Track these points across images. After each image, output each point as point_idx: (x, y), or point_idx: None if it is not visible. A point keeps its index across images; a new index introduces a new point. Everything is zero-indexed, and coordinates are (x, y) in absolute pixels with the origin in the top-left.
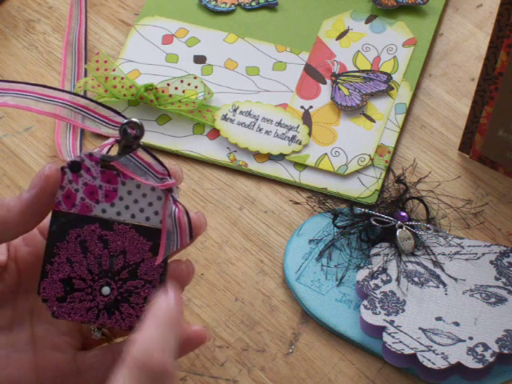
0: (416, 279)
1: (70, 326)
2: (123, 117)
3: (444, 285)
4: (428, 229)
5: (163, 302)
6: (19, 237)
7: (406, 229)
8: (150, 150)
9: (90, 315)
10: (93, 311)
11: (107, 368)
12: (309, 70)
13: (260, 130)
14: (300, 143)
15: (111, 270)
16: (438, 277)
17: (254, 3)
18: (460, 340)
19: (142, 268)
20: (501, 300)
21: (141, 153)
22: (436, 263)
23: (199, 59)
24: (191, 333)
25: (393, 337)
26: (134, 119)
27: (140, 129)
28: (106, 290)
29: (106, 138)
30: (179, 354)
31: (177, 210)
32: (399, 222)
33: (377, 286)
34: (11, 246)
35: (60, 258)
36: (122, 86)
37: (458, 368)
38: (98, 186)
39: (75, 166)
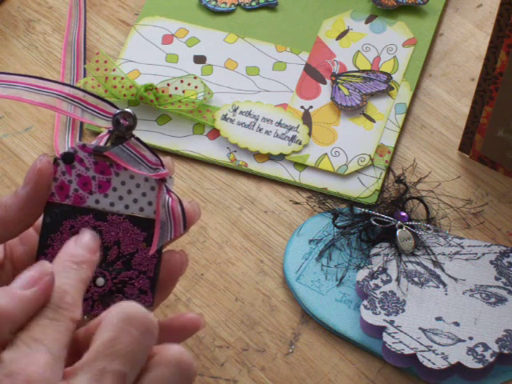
0: (416, 279)
1: None
2: (115, 107)
3: (444, 285)
4: (428, 229)
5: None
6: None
7: (406, 229)
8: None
9: (84, 306)
10: (87, 302)
11: None
12: (309, 69)
13: (260, 130)
14: (300, 143)
15: (105, 261)
16: (438, 277)
17: (254, 3)
18: (460, 340)
19: (136, 258)
20: (501, 300)
21: (134, 143)
22: (436, 263)
23: (199, 59)
24: (186, 320)
25: (393, 337)
26: (126, 109)
27: (133, 119)
28: (100, 280)
29: None
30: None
31: (170, 199)
32: (399, 222)
33: (377, 286)
34: (7, 245)
35: (54, 249)
36: (122, 86)
37: (458, 368)
38: (91, 177)
39: (68, 158)
